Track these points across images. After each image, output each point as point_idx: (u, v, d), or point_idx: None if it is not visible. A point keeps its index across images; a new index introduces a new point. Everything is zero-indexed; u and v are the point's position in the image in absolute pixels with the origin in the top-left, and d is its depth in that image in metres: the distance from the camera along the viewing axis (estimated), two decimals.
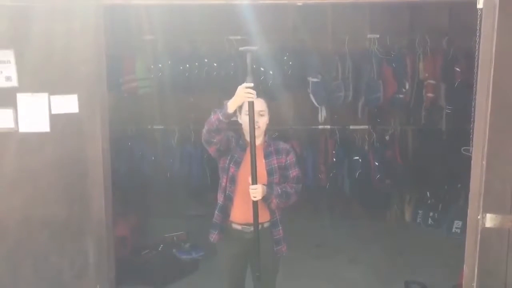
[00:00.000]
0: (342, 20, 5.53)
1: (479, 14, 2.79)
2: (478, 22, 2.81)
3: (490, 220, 2.79)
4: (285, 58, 5.41)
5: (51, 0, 3.25)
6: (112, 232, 3.53)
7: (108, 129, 3.44)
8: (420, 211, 5.84)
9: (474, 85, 2.87)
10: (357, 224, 5.62)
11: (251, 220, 2.86)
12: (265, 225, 3.00)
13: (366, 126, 5.73)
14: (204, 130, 2.86)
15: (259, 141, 2.94)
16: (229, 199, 2.98)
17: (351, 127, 5.74)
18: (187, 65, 5.46)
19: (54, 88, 3.29)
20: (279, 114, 5.14)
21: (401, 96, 5.37)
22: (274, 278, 3.15)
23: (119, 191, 3.98)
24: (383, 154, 5.58)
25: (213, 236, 3.05)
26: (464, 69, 5.03)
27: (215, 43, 5.57)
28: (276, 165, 2.99)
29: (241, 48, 2.86)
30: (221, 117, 2.75)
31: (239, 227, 2.99)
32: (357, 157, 5.53)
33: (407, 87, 5.37)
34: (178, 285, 4.47)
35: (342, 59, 5.44)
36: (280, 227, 3.05)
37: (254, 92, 2.72)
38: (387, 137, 5.74)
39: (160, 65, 5.51)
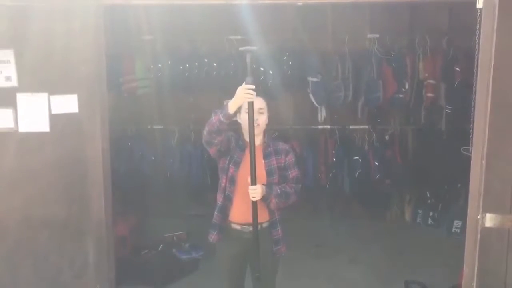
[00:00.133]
0: (342, 20, 5.53)
1: (478, 14, 2.79)
2: (477, 22, 2.81)
3: (489, 220, 2.79)
4: (285, 58, 5.41)
5: (51, 0, 3.25)
6: (112, 232, 3.52)
7: (108, 129, 3.44)
8: (420, 211, 5.84)
9: (474, 85, 2.87)
10: (357, 224, 5.62)
11: (250, 220, 2.86)
12: (264, 225, 3.00)
13: (366, 126, 5.72)
14: (204, 131, 2.86)
15: (258, 141, 2.94)
16: (228, 199, 2.98)
17: (351, 127, 5.74)
18: (187, 65, 5.46)
19: (54, 88, 3.29)
20: (279, 114, 5.16)
21: (401, 96, 5.37)
22: (274, 278, 3.15)
23: (119, 191, 3.99)
24: (383, 154, 5.58)
25: (212, 236, 3.05)
26: (464, 69, 5.03)
27: (215, 43, 5.58)
28: (275, 165, 2.99)
29: (241, 48, 2.86)
30: (221, 118, 2.75)
31: (238, 227, 2.99)
32: (357, 157, 5.53)
33: (407, 87, 5.37)
34: (178, 285, 4.47)
35: (342, 59, 5.44)
36: (279, 227, 3.05)
37: (253, 92, 2.72)
38: (387, 137, 5.74)
39: (160, 65, 5.51)
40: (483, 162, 2.77)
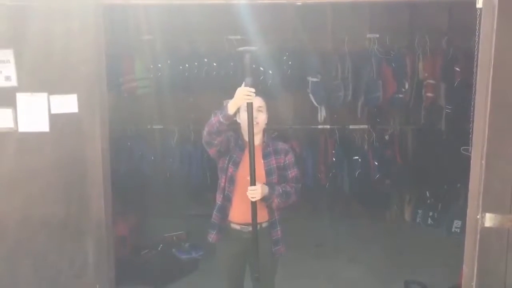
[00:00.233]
0: (341, 20, 5.52)
1: (478, 14, 2.79)
2: (477, 22, 2.81)
3: (489, 220, 2.80)
4: (285, 57, 5.41)
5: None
6: (112, 232, 3.52)
7: (108, 129, 3.44)
8: (419, 211, 5.84)
9: (474, 85, 2.88)
10: (356, 223, 5.62)
11: (249, 220, 2.86)
12: (264, 225, 3.00)
13: (366, 126, 5.72)
14: (204, 132, 2.86)
15: (257, 140, 2.94)
16: (227, 199, 2.98)
17: (350, 126, 5.74)
18: (187, 65, 5.46)
19: (53, 87, 3.29)
20: (278, 113, 5.16)
21: (400, 95, 5.37)
22: (273, 278, 3.15)
23: (118, 191, 3.98)
24: (383, 154, 5.58)
25: (212, 236, 3.05)
26: (464, 69, 5.03)
27: (214, 43, 5.57)
28: (274, 165, 2.99)
29: (239, 49, 2.86)
30: (221, 119, 2.75)
31: (237, 227, 2.99)
32: (357, 157, 5.53)
33: (406, 86, 5.37)
34: (177, 285, 4.47)
35: (341, 59, 5.44)
36: (279, 228, 3.05)
37: (252, 93, 2.71)
38: (386, 137, 5.74)
39: (159, 65, 5.51)
40: (483, 162, 2.77)
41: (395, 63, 5.39)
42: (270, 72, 5.24)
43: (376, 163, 5.48)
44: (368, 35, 5.50)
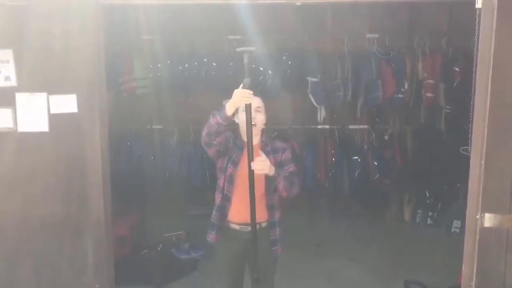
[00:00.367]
0: (341, 20, 5.53)
1: (477, 14, 2.79)
2: (476, 22, 2.81)
3: (488, 220, 2.80)
4: (284, 57, 5.41)
5: None
6: (111, 231, 3.52)
7: (107, 129, 3.44)
8: (419, 211, 5.84)
9: (473, 85, 2.87)
10: (356, 223, 5.62)
11: (249, 220, 2.86)
12: (263, 225, 3.00)
13: (365, 126, 5.73)
14: (203, 133, 2.86)
15: (256, 140, 2.94)
16: (226, 199, 2.98)
17: (350, 126, 5.75)
18: (186, 65, 5.46)
19: (53, 87, 3.29)
20: (278, 113, 5.17)
21: (400, 95, 5.37)
22: (272, 278, 3.15)
23: (118, 191, 3.98)
24: (382, 154, 5.58)
25: (211, 236, 3.05)
26: (463, 69, 5.03)
27: (214, 43, 5.57)
28: (273, 162, 2.98)
29: (238, 49, 2.86)
30: (220, 120, 2.75)
31: (237, 227, 2.99)
32: (356, 157, 5.53)
33: (406, 86, 5.37)
34: (177, 285, 4.47)
35: (341, 59, 5.44)
36: (278, 228, 3.05)
37: (251, 95, 2.71)
38: (386, 137, 5.74)
39: (159, 65, 5.51)
40: (482, 162, 2.77)
41: (395, 63, 5.39)
42: (270, 72, 5.24)
43: (376, 163, 5.49)
44: (368, 35, 5.50)
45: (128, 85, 5.54)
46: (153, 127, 5.92)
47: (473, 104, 2.85)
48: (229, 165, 2.95)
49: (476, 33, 2.81)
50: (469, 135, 2.94)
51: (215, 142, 2.85)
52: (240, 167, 2.94)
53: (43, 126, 3.30)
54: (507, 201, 2.78)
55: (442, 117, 5.47)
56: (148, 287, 4.35)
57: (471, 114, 2.90)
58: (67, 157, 3.33)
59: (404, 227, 5.81)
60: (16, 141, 3.32)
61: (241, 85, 2.74)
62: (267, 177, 2.86)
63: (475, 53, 2.84)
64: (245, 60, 2.77)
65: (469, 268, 2.89)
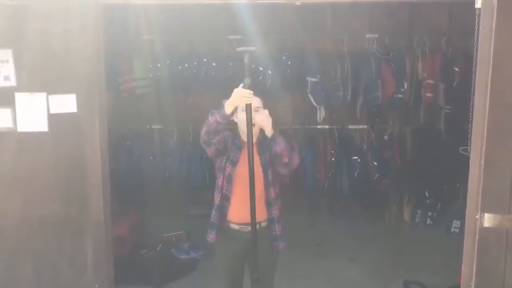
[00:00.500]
0: (340, 20, 5.53)
1: (477, 14, 2.79)
2: (476, 22, 2.81)
3: (488, 220, 2.80)
4: (284, 57, 5.41)
5: None
6: (111, 231, 3.52)
7: (107, 129, 3.44)
8: (418, 211, 5.85)
9: (473, 85, 2.87)
10: (356, 223, 5.62)
11: (248, 219, 2.86)
12: (263, 224, 3.00)
13: (365, 126, 5.73)
14: (202, 132, 2.86)
15: (254, 139, 2.93)
16: (226, 199, 2.98)
17: (349, 126, 5.74)
18: (186, 65, 5.46)
19: (52, 87, 3.28)
20: (277, 113, 5.13)
21: (400, 96, 5.37)
22: (272, 278, 3.15)
23: (118, 191, 3.98)
24: (382, 154, 5.58)
25: (211, 236, 3.05)
26: (463, 69, 5.03)
27: (214, 43, 5.57)
28: (268, 159, 2.98)
29: (238, 49, 2.85)
30: (219, 119, 2.75)
31: (236, 227, 2.99)
32: (356, 157, 5.53)
33: (406, 87, 5.37)
34: (176, 285, 4.47)
35: (340, 59, 5.44)
36: (277, 224, 3.04)
37: (250, 95, 2.70)
38: (385, 137, 5.74)
39: (158, 65, 5.51)
40: (482, 162, 2.77)
41: (394, 63, 5.39)
42: (269, 72, 5.24)
43: (375, 163, 5.49)
44: (367, 35, 5.49)
45: (128, 85, 5.53)
46: (153, 127, 5.92)
47: (473, 104, 2.85)
48: (227, 164, 2.95)
49: (476, 33, 2.81)
50: (469, 135, 2.94)
51: (214, 141, 2.85)
52: (238, 166, 2.94)
53: (42, 126, 3.30)
54: (507, 201, 2.78)
55: (442, 117, 5.47)
56: (147, 287, 4.35)
57: (470, 114, 2.90)
58: (67, 157, 3.33)
59: (404, 227, 5.81)
60: (16, 141, 3.31)
61: (241, 85, 2.74)
62: (265, 141, 2.83)
63: (474, 53, 2.84)
64: (246, 60, 2.77)
65: (468, 268, 2.89)
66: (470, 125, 2.91)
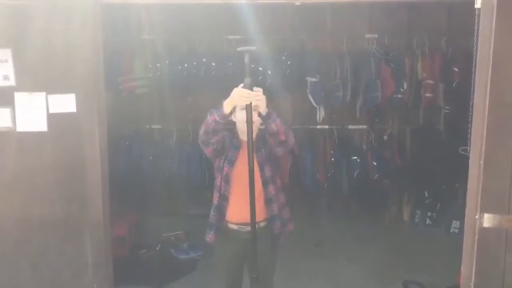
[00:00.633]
0: (340, 20, 5.53)
1: (477, 14, 2.79)
2: (476, 22, 2.81)
3: (487, 220, 2.79)
4: (284, 57, 5.40)
5: None
6: (110, 231, 3.52)
7: (106, 129, 3.44)
8: (418, 211, 5.84)
9: (472, 85, 2.87)
10: (355, 224, 5.62)
11: (247, 219, 2.85)
12: (262, 224, 2.99)
13: (365, 126, 5.73)
14: (201, 132, 2.85)
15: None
16: (224, 199, 2.97)
17: (349, 127, 5.74)
18: (186, 65, 5.45)
19: (51, 87, 3.28)
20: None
21: (399, 96, 5.37)
22: (271, 278, 3.14)
23: (117, 191, 3.98)
24: (381, 154, 5.58)
25: (209, 236, 3.04)
26: (462, 69, 5.03)
27: (213, 43, 5.57)
28: (264, 156, 2.97)
29: (239, 48, 2.84)
30: (217, 118, 2.74)
31: (235, 227, 2.98)
32: (355, 157, 5.53)
33: (405, 87, 5.37)
34: (176, 285, 4.46)
35: (340, 59, 5.44)
36: (279, 222, 3.04)
37: (250, 96, 2.69)
38: (385, 137, 5.74)
39: (158, 65, 5.51)
40: (481, 162, 2.77)
41: (394, 63, 5.39)
42: (269, 72, 5.24)
43: (375, 163, 5.48)
44: (367, 35, 5.49)
45: (128, 84, 5.53)
46: (152, 126, 5.92)
47: (472, 104, 2.85)
48: (225, 164, 2.94)
49: (476, 33, 2.81)
50: (468, 135, 2.94)
51: (212, 141, 2.84)
52: (236, 166, 2.93)
53: (42, 125, 3.30)
54: (506, 201, 2.78)
55: (441, 117, 5.47)
56: (147, 287, 4.34)
57: (470, 114, 2.90)
58: (66, 157, 3.32)
59: (403, 227, 5.81)
60: (15, 140, 3.31)
61: (241, 85, 2.74)
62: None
63: (474, 53, 2.84)
64: (246, 60, 2.76)
65: (468, 268, 2.89)
66: (469, 125, 2.91)
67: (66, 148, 3.32)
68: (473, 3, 2.77)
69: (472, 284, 2.87)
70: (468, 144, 2.94)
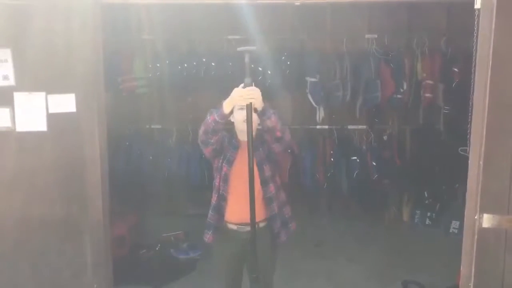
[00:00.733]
0: (340, 20, 5.53)
1: (476, 14, 2.79)
2: (475, 22, 2.81)
3: (487, 220, 2.79)
4: (283, 57, 5.40)
5: None
6: (110, 231, 3.52)
7: (106, 128, 3.44)
8: (418, 211, 5.84)
9: (472, 85, 2.88)
10: (355, 224, 5.62)
11: (246, 219, 2.85)
12: (261, 224, 2.98)
13: (364, 126, 5.73)
14: (200, 132, 2.85)
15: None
16: (223, 199, 2.97)
17: (349, 127, 5.74)
18: (185, 65, 5.45)
19: (51, 87, 3.28)
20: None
21: (399, 96, 5.37)
22: (271, 278, 3.14)
23: (117, 191, 3.98)
24: (381, 154, 5.58)
25: (208, 237, 3.04)
26: (462, 69, 5.03)
27: (213, 43, 5.57)
28: (263, 155, 2.97)
29: (239, 48, 2.84)
30: (217, 118, 2.74)
31: (234, 227, 2.98)
32: (355, 157, 5.52)
33: (405, 87, 5.36)
34: (175, 285, 4.46)
35: (340, 59, 5.44)
36: (279, 221, 3.04)
37: (250, 96, 2.68)
38: (385, 137, 5.74)
39: (158, 65, 5.51)
40: (481, 162, 2.77)
41: (394, 63, 5.39)
42: (269, 72, 5.24)
43: (375, 164, 5.48)
44: (367, 36, 5.49)
45: (128, 84, 5.53)
46: (152, 126, 5.92)
47: (472, 104, 2.85)
48: (224, 164, 2.94)
49: (475, 34, 2.81)
50: (468, 136, 2.94)
51: (212, 141, 2.84)
52: (235, 165, 2.93)
53: (41, 125, 3.30)
54: (506, 202, 2.78)
55: (441, 118, 5.47)
56: (146, 287, 4.34)
57: (470, 114, 2.90)
58: (66, 157, 3.33)
59: (403, 227, 5.81)
60: (15, 140, 3.31)
61: (241, 84, 2.73)
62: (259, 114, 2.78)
63: (474, 54, 2.84)
64: (246, 59, 2.75)
65: (467, 269, 2.89)
66: (469, 125, 2.91)
67: (66, 148, 3.32)
68: (473, 3, 2.77)
69: (471, 284, 2.88)
70: (468, 144, 2.94)
